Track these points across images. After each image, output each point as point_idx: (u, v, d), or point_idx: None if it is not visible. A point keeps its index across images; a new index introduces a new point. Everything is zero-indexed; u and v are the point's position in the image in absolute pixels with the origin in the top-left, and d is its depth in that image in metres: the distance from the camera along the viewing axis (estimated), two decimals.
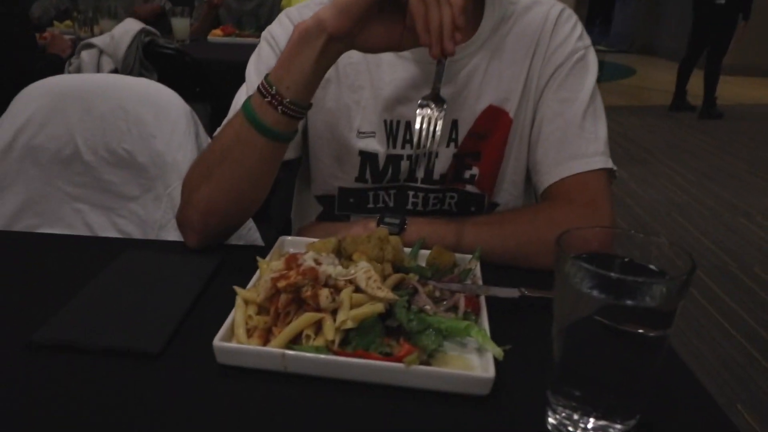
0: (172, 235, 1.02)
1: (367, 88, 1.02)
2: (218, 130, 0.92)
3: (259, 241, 1.26)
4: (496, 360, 0.61)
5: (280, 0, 3.40)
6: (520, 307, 0.75)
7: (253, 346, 0.63)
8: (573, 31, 1.02)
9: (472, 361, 0.64)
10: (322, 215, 1.11)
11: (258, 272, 0.75)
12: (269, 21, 1.06)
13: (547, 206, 0.97)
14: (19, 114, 1.31)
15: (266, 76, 0.83)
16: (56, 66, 2.38)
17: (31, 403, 0.58)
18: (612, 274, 0.50)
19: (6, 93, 1.36)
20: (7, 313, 0.74)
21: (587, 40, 1.03)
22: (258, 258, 0.77)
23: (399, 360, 0.60)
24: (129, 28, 2.37)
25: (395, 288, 0.72)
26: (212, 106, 2.43)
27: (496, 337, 0.64)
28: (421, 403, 0.59)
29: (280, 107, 0.81)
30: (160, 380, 0.61)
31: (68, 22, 3.31)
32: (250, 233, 1.27)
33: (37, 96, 1.33)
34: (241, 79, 1.03)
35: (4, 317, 0.73)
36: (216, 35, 3.32)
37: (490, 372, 0.59)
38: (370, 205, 1.07)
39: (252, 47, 1.06)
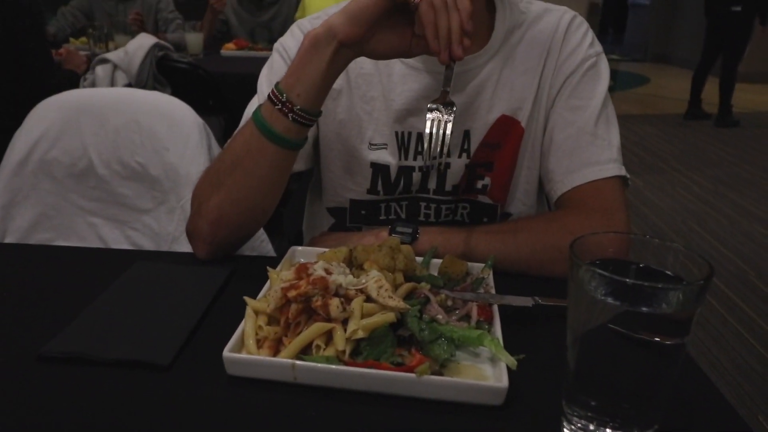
0: (185, 247, 1.02)
1: (378, 99, 1.01)
2: (229, 140, 0.92)
3: (272, 253, 1.26)
4: (509, 369, 0.60)
5: (293, 13, 3.43)
6: (534, 316, 0.74)
7: (263, 356, 0.62)
8: (584, 38, 1.01)
9: (486, 371, 0.63)
10: (333, 227, 1.11)
11: (268, 282, 0.75)
12: (282, 34, 1.07)
13: (561, 214, 0.95)
14: (33, 128, 1.32)
15: (277, 84, 0.83)
16: (72, 81, 2.42)
17: (42, 415, 0.58)
18: (627, 280, 0.49)
19: (23, 108, 1.38)
20: (19, 325, 0.74)
21: (598, 47, 1.02)
22: (268, 268, 0.76)
23: (410, 370, 0.59)
24: (142, 43, 2.40)
25: (407, 297, 0.71)
26: (225, 119, 2.45)
27: (510, 346, 0.63)
28: (433, 414, 0.58)
29: (290, 114, 0.82)
30: (170, 392, 0.61)
31: (83, 38, 3.37)
32: (262, 245, 1.27)
33: (51, 110, 1.34)
34: (254, 92, 1.03)
35: (16, 329, 0.73)
36: (229, 48, 3.35)
37: (504, 382, 0.58)
38: (382, 217, 1.06)
39: (265, 60, 1.06)
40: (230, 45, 3.39)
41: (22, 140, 1.31)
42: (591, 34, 1.02)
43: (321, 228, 1.12)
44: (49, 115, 1.34)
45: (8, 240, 1.30)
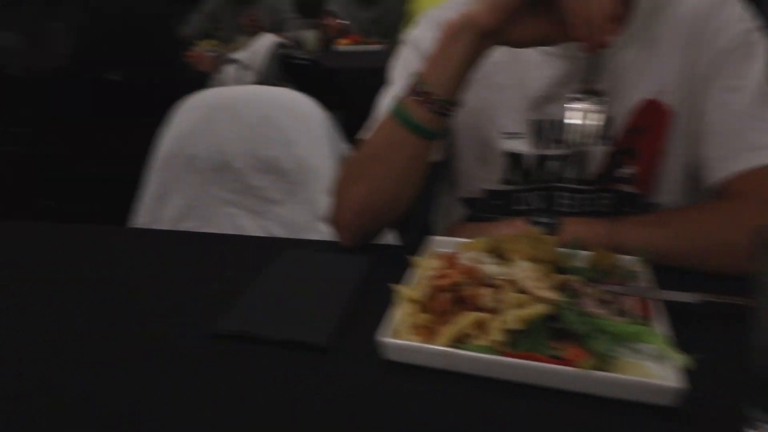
0: (316, 237, 1.07)
1: (510, 87, 0.99)
2: (365, 133, 0.94)
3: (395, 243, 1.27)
4: (680, 369, 0.56)
5: (404, 6, 3.45)
6: (700, 314, 0.69)
7: (421, 343, 0.63)
8: (735, 12, 0.93)
9: (650, 369, 0.59)
10: (467, 217, 1.10)
11: (415, 270, 0.75)
12: (394, 27, 1.07)
13: (723, 205, 0.88)
14: (178, 125, 1.42)
15: (416, 75, 0.83)
16: (203, 82, 2.58)
17: (213, 387, 0.61)
18: None
19: (161, 108, 1.49)
20: (182, 303, 0.79)
21: (753, 22, 0.93)
22: (414, 257, 0.77)
23: (570, 364, 0.57)
24: (266, 42, 2.51)
25: (556, 290, 0.69)
26: (343, 112, 2.50)
27: (676, 344, 0.59)
28: (595, 411, 0.56)
29: (430, 105, 0.81)
30: (328, 372, 0.63)
31: (211, 41, 3.57)
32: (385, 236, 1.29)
33: (192, 108, 1.44)
34: (370, 85, 1.05)
35: (182, 308, 0.78)
36: (343, 44, 3.43)
37: (678, 381, 0.54)
38: (516, 207, 1.04)
39: (378, 54, 1.08)
40: (344, 40, 3.47)
41: (169, 136, 1.41)
42: (743, 8, 0.94)
43: (453, 218, 1.12)
44: (190, 112, 1.43)
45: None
